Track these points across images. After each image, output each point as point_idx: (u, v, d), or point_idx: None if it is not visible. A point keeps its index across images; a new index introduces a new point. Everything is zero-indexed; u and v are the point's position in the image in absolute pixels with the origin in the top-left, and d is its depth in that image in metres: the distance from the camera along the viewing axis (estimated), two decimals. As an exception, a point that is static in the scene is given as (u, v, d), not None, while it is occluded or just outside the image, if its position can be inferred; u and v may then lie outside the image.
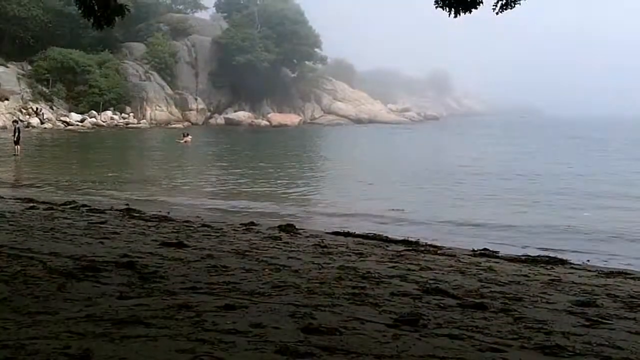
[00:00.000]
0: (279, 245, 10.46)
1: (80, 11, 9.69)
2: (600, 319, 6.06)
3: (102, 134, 56.36)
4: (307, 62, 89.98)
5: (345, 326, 5.15)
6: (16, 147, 32.32)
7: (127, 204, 16.34)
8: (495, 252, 11.36)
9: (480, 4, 8.69)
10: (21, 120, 56.81)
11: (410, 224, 15.71)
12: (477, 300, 6.51)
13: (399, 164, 32.68)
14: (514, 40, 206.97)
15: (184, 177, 26.55)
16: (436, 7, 8.85)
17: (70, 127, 62.36)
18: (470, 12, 8.80)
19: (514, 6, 8.70)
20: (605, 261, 11.66)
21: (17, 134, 32.60)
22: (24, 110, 61.92)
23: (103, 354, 4.16)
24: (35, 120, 60.53)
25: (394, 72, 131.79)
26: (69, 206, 15.35)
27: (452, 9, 8.74)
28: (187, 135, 47.59)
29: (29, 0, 66.01)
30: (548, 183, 24.85)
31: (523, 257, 10.81)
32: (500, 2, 8.63)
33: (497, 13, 8.77)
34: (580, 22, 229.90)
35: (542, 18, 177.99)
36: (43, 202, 15.84)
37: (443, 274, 8.36)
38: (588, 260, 11.50)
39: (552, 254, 11.28)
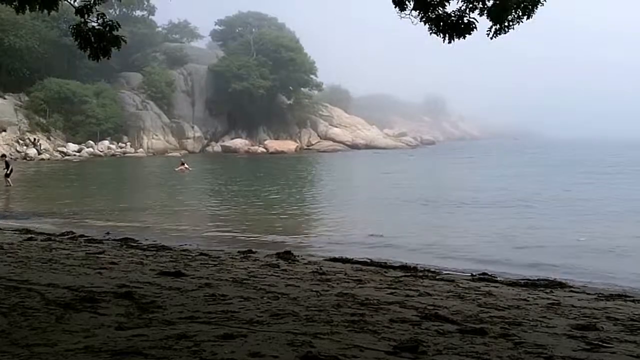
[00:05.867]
0: (277, 272, 10.43)
1: (76, 42, 9.76)
2: (600, 343, 6.03)
3: (99, 164, 56.39)
4: (302, 89, 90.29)
5: (345, 354, 5.12)
6: (7, 179, 32.77)
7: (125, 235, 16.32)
8: (494, 276, 11.33)
9: (474, 30, 8.78)
10: (18, 152, 57.25)
11: (405, 250, 15.63)
12: (476, 326, 6.48)
13: (395, 190, 32.60)
14: (510, 64, 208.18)
15: (180, 205, 26.52)
16: (431, 34, 8.95)
17: (67, 157, 62.45)
18: (465, 37, 8.89)
19: (508, 31, 8.79)
20: (605, 283, 11.63)
21: (10, 166, 33.36)
22: (21, 141, 62.00)
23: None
24: (32, 151, 60.60)
25: (390, 97, 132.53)
26: (66, 237, 15.34)
27: (447, 35, 8.83)
28: (183, 164, 47.64)
29: (25, 31, 66.28)
30: (541, 206, 24.80)
31: (522, 281, 10.78)
32: (493, 28, 8.72)
33: (491, 38, 8.87)
34: (579, 45, 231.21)
35: (538, 41, 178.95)
36: (41, 233, 15.82)
37: (442, 299, 8.33)
38: (589, 282, 11.52)
39: (550, 277, 11.26)
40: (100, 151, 66.95)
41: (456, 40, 8.91)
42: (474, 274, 11.53)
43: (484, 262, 13.81)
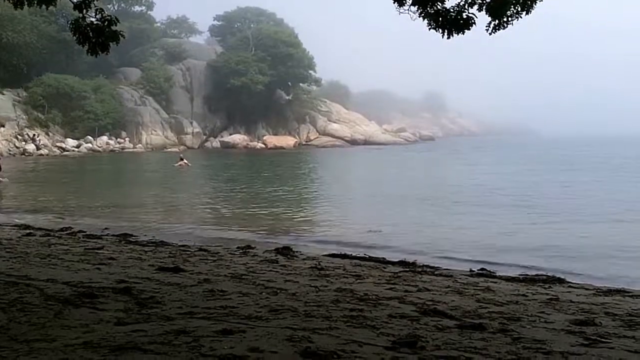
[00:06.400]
0: (275, 268, 10.43)
1: (75, 37, 9.75)
2: (599, 338, 6.04)
3: (97, 159, 56.35)
4: (301, 84, 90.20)
5: (343, 349, 5.13)
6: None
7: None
8: (493, 272, 11.34)
9: (473, 25, 8.77)
10: (17, 147, 57.38)
11: (404, 246, 15.57)
12: (475, 321, 6.49)
13: (394, 186, 32.60)
14: (510, 60, 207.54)
15: (179, 201, 26.52)
16: (430, 29, 8.93)
17: (66, 152, 62.45)
18: (464, 33, 8.88)
19: (507, 26, 8.78)
20: (603, 279, 11.63)
21: None
22: (20, 137, 61.97)
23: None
24: (31, 147, 60.57)
25: (389, 93, 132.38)
26: (65, 232, 15.33)
27: (446, 31, 8.82)
28: (182, 159, 47.59)
29: (23, 27, 66.17)
30: (542, 203, 24.79)
31: (521, 277, 10.78)
32: (492, 23, 8.71)
33: (490, 34, 8.86)
34: (577, 41, 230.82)
35: (538, 37, 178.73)
36: (40, 229, 15.81)
37: (441, 294, 8.34)
38: (590, 275, 11.56)
39: (549, 273, 11.27)
40: (99, 147, 66.95)
41: (455, 35, 8.90)
42: (473, 269, 11.54)
43: (483, 257, 13.81)
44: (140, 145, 70.93)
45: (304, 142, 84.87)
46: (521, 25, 9.12)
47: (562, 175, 37.39)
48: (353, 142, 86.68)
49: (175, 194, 29.36)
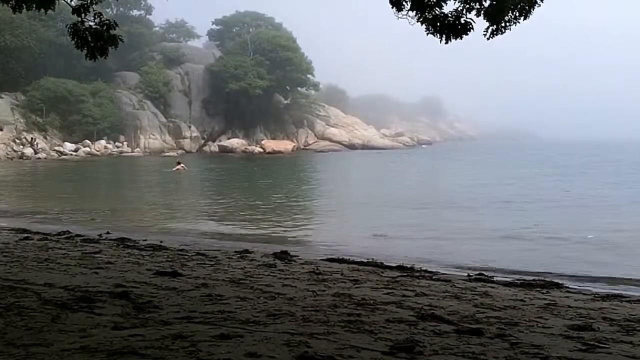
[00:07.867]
0: (273, 272, 10.42)
1: (73, 42, 9.73)
2: (596, 343, 6.04)
3: (95, 163, 56.29)
4: (299, 89, 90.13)
5: (341, 354, 5.12)
6: None
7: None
8: (491, 276, 11.33)
9: (471, 30, 8.77)
10: (15, 151, 57.37)
11: (408, 250, 15.59)
12: (473, 326, 6.48)
13: (396, 191, 32.59)
14: (508, 64, 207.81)
15: (176, 204, 26.49)
16: (428, 34, 8.94)
17: (64, 156, 62.38)
18: (461, 38, 8.89)
19: (504, 32, 8.79)
20: (602, 285, 11.63)
21: None
22: (17, 141, 61.92)
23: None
24: (29, 151, 60.52)
25: (387, 97, 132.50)
26: (63, 236, 15.30)
27: (444, 36, 8.82)
28: (179, 163, 47.48)
29: (21, 30, 66.16)
30: (540, 207, 24.82)
31: (518, 282, 10.79)
32: (490, 28, 8.72)
33: (487, 39, 8.87)
34: (578, 44, 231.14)
35: (537, 41, 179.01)
36: (37, 233, 15.78)
37: (438, 299, 8.33)
38: (588, 276, 11.59)
39: (547, 278, 11.27)
40: (97, 151, 66.90)
41: (453, 40, 8.91)
42: (471, 274, 11.54)
43: (481, 262, 13.82)
44: (138, 149, 70.86)
45: (302, 147, 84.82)
46: (520, 29, 9.13)
47: (561, 180, 37.43)
48: (351, 147, 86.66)
49: (172, 198, 29.32)
